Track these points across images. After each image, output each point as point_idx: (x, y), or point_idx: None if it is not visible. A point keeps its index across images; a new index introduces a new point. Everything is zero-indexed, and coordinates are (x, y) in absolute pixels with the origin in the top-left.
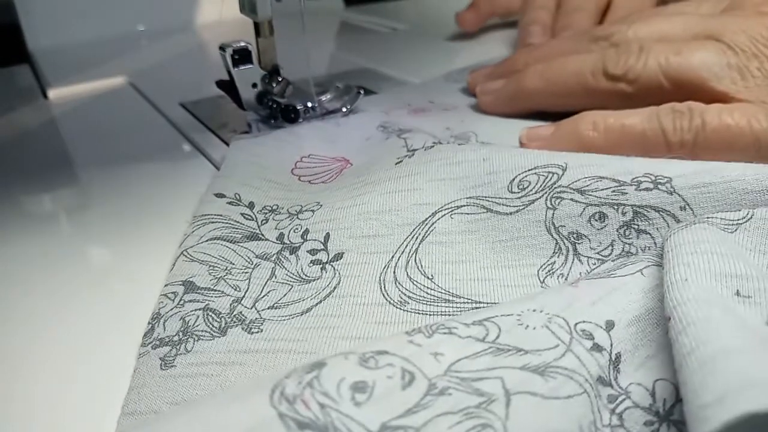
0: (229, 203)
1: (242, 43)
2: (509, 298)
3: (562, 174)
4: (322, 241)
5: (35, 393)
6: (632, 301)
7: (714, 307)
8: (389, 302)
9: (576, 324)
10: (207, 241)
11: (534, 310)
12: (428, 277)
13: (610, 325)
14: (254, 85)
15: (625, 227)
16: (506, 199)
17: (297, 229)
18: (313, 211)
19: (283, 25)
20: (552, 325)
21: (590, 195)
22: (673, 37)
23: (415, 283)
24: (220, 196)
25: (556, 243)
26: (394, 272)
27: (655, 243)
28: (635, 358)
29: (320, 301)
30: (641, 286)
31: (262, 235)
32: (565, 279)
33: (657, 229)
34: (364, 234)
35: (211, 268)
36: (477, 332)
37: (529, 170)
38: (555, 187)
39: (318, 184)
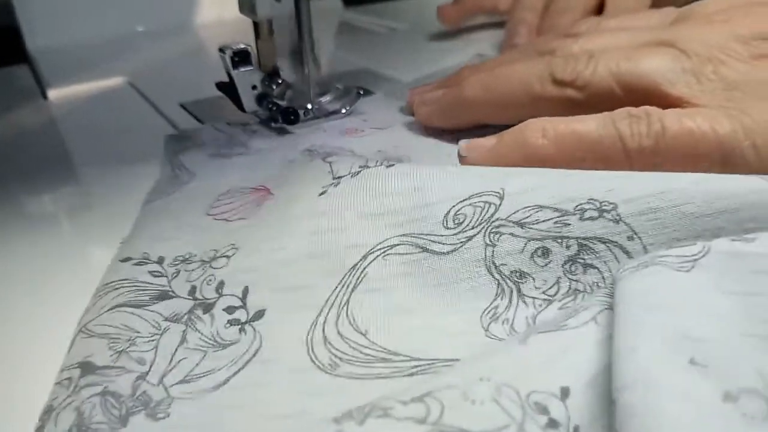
0: (136, 264)
1: (242, 45)
2: (452, 351)
3: (500, 204)
4: (240, 296)
5: (35, 393)
6: (587, 359)
7: (663, 394)
8: (318, 366)
9: (528, 395)
10: (109, 310)
11: (481, 379)
12: (362, 333)
13: (565, 393)
14: (254, 87)
15: (571, 262)
16: (442, 236)
17: (210, 280)
18: (227, 257)
19: (283, 26)
20: (502, 398)
21: (531, 228)
22: (625, 46)
23: (347, 341)
24: (126, 260)
25: (498, 284)
26: (323, 330)
27: (603, 278)
28: (593, 430)
29: (239, 370)
30: (595, 337)
31: (173, 291)
32: (511, 325)
33: (605, 262)
34: (288, 286)
35: (112, 341)
36: (416, 412)
37: (463, 200)
38: (493, 221)
39: (235, 221)
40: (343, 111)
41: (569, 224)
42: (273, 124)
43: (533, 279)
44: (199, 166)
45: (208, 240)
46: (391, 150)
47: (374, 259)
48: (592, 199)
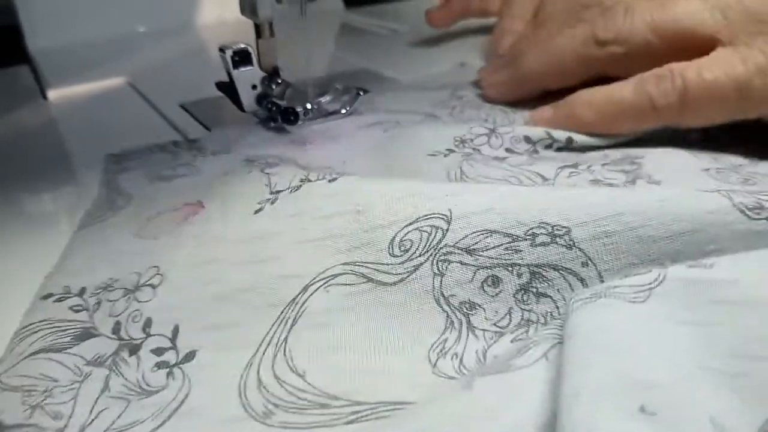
0: (57, 301)
1: (242, 45)
2: (396, 393)
3: (447, 228)
4: (170, 336)
5: None
6: (533, 409)
7: None
8: (250, 415)
9: None
10: (26, 358)
11: None
12: (299, 375)
13: None
14: (254, 87)
15: (523, 291)
16: (388, 264)
17: (136, 317)
18: (153, 286)
19: (282, 26)
20: None
21: (480, 255)
22: None
23: (283, 384)
24: (46, 297)
25: (447, 316)
26: (258, 372)
27: (557, 307)
28: None
29: (164, 422)
30: (545, 377)
31: (95, 328)
32: (460, 360)
33: (558, 290)
34: (221, 323)
35: (26, 394)
36: None
37: (410, 224)
38: (440, 248)
39: (161, 239)
40: (343, 111)
41: (520, 250)
42: (272, 124)
43: (484, 310)
44: (137, 188)
45: (130, 262)
46: (340, 165)
47: (315, 291)
48: (543, 223)
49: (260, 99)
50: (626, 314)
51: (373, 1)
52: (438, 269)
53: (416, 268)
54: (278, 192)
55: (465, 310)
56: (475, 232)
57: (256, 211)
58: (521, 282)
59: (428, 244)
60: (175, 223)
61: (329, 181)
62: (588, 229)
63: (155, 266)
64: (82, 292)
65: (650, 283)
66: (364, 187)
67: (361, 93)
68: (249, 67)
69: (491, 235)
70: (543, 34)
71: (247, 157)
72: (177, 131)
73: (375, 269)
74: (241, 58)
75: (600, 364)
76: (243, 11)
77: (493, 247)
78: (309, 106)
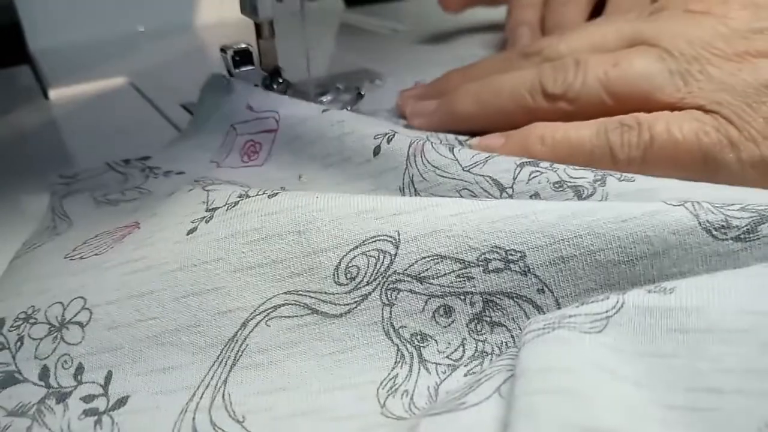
0: None
1: (243, 45)
2: None
3: (395, 253)
4: (102, 383)
5: None
6: None
7: None
8: None
9: None
10: None
11: None
12: (238, 421)
13: None
14: (254, 87)
15: (476, 321)
16: (334, 294)
17: (66, 363)
18: (81, 325)
19: (283, 26)
20: None
21: (431, 283)
22: (607, 46)
23: (218, 431)
24: None
25: (398, 350)
26: (193, 419)
27: (512, 336)
28: None
29: None
30: (496, 415)
31: (20, 372)
32: (411, 398)
33: (513, 319)
34: (158, 366)
35: None
36: None
37: (355, 248)
38: (389, 275)
39: (89, 258)
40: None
41: (473, 278)
42: None
43: (436, 342)
44: (80, 213)
45: (52, 286)
46: (294, 184)
47: (256, 326)
48: (496, 247)
49: None
50: (579, 349)
51: (374, 0)
52: (387, 298)
53: (364, 297)
54: (214, 209)
55: (416, 343)
56: (424, 258)
57: (189, 232)
58: (474, 311)
59: (376, 271)
60: (105, 245)
61: (269, 196)
62: (544, 254)
63: (81, 297)
64: (0, 325)
65: (607, 311)
66: (305, 204)
67: (362, 93)
68: (250, 67)
69: (442, 261)
70: (479, 71)
71: (196, 178)
72: (178, 131)
73: (319, 299)
74: (242, 58)
75: (546, 413)
76: (243, 11)
77: (444, 274)
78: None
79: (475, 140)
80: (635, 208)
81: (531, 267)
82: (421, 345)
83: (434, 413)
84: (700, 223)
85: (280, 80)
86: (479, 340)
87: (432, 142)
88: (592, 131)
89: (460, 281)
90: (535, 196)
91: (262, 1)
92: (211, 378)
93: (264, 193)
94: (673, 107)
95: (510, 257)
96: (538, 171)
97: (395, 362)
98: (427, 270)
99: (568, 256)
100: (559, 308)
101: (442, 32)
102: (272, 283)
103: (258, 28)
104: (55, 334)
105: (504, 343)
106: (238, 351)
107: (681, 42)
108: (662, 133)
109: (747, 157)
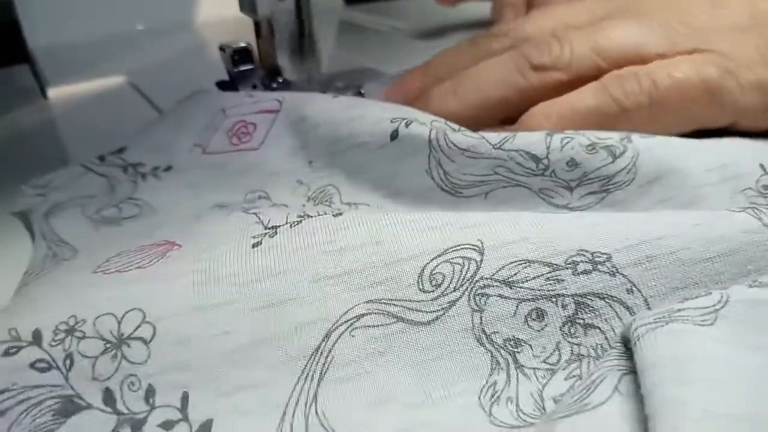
0: (5, 354)
1: (242, 44)
2: None
3: (481, 260)
4: (179, 406)
5: None
6: None
7: None
8: None
9: None
10: None
11: None
12: None
13: None
14: (254, 86)
15: (570, 324)
16: (419, 301)
17: (134, 384)
18: (145, 341)
19: (283, 25)
20: None
21: (520, 287)
22: (580, 23)
23: None
24: None
25: (492, 356)
26: None
27: (606, 338)
28: None
29: None
30: (623, 411)
31: (80, 396)
32: (516, 405)
33: (606, 320)
34: (237, 385)
35: None
36: None
37: (438, 256)
38: (476, 281)
39: (131, 272)
40: None
41: (563, 280)
42: None
43: (530, 347)
44: (80, 238)
45: (96, 297)
46: (305, 169)
47: (340, 337)
48: (582, 250)
49: None
50: (700, 341)
51: None
52: (476, 304)
53: (451, 304)
54: (275, 227)
55: (510, 348)
56: (512, 263)
57: (255, 245)
58: (567, 314)
59: (462, 277)
60: (145, 257)
61: (334, 215)
62: (629, 255)
63: (138, 309)
64: (37, 339)
65: (714, 305)
66: (378, 219)
67: (363, 92)
68: (249, 66)
69: (530, 265)
70: (441, 66)
71: (217, 203)
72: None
73: (405, 307)
74: (242, 56)
75: (690, 402)
76: (242, 9)
77: (534, 278)
78: None
79: None
80: (703, 214)
81: (618, 267)
82: (516, 350)
83: (563, 416)
84: (764, 223)
85: (280, 79)
86: (574, 343)
87: (453, 128)
88: (592, 92)
89: (550, 284)
90: (572, 162)
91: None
92: (299, 394)
93: (326, 214)
94: (666, 58)
95: (596, 259)
96: (568, 137)
97: (491, 369)
98: (515, 274)
99: (652, 256)
100: (649, 308)
101: (442, 30)
102: (353, 292)
103: (257, 26)
104: (114, 351)
105: (599, 346)
106: (324, 364)
107: (654, 6)
108: (663, 77)
109: (746, 81)
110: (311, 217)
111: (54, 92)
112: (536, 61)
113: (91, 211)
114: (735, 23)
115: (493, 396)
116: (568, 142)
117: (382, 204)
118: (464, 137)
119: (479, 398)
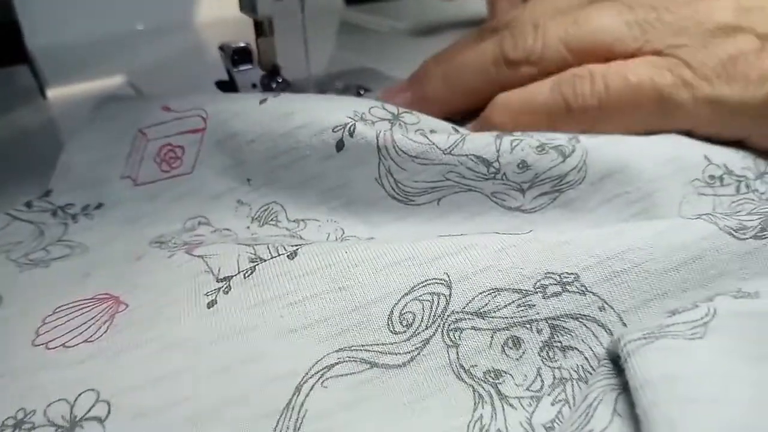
0: None
1: (242, 43)
2: None
3: (450, 294)
4: None
5: None
6: None
7: None
8: None
9: None
10: None
11: None
12: None
13: None
14: (254, 86)
15: (547, 348)
16: (391, 344)
17: None
18: (99, 420)
19: (282, 24)
20: None
21: (493, 317)
22: (569, 8)
23: None
24: None
25: (474, 390)
26: None
27: (586, 358)
28: None
29: None
30: None
31: None
32: None
33: (582, 340)
34: None
35: None
36: None
37: (405, 295)
38: (448, 316)
39: (79, 347)
40: None
41: (534, 305)
42: None
43: (511, 376)
44: (6, 284)
45: (43, 383)
46: (243, 187)
47: (311, 389)
48: (550, 273)
49: None
50: (692, 356)
51: None
52: (450, 340)
53: (425, 342)
54: (227, 278)
55: (491, 380)
56: (481, 293)
57: (210, 305)
58: (543, 338)
59: (433, 314)
60: (92, 325)
61: (289, 257)
62: (596, 272)
63: (91, 389)
64: None
65: (702, 318)
66: (337, 261)
67: (362, 92)
68: (249, 66)
69: (499, 294)
70: (450, 53)
71: (154, 239)
72: None
73: (377, 351)
74: (241, 56)
75: (684, 422)
76: (242, 8)
77: (505, 306)
78: None
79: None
80: (662, 223)
81: (587, 286)
82: (497, 381)
83: None
84: (720, 228)
85: (279, 79)
86: (555, 367)
87: (401, 130)
88: (549, 87)
89: (522, 310)
90: (523, 164)
91: None
92: None
93: (279, 254)
94: (632, 56)
95: (565, 279)
96: (518, 139)
97: (475, 403)
98: (486, 304)
99: (619, 271)
100: (624, 323)
101: (442, 30)
102: (321, 343)
103: (257, 26)
104: None
105: (580, 367)
106: (297, 419)
107: None
108: (617, 80)
109: (701, 95)
110: (264, 260)
111: (53, 92)
112: (510, 55)
113: (17, 254)
114: (716, 23)
115: (481, 430)
116: (517, 144)
117: (332, 217)
118: (413, 143)
119: None
